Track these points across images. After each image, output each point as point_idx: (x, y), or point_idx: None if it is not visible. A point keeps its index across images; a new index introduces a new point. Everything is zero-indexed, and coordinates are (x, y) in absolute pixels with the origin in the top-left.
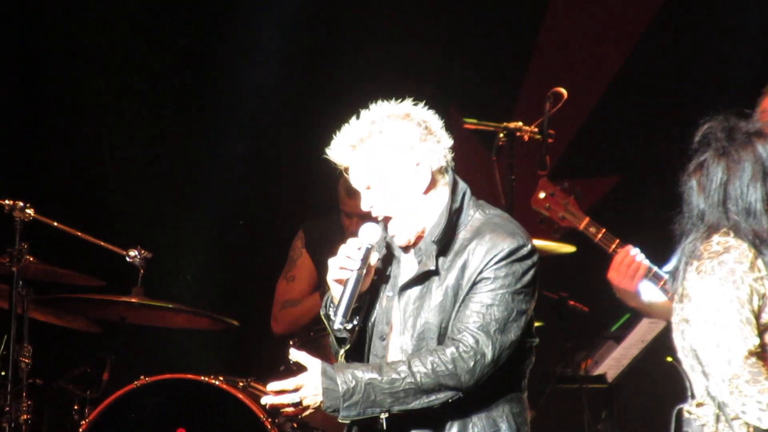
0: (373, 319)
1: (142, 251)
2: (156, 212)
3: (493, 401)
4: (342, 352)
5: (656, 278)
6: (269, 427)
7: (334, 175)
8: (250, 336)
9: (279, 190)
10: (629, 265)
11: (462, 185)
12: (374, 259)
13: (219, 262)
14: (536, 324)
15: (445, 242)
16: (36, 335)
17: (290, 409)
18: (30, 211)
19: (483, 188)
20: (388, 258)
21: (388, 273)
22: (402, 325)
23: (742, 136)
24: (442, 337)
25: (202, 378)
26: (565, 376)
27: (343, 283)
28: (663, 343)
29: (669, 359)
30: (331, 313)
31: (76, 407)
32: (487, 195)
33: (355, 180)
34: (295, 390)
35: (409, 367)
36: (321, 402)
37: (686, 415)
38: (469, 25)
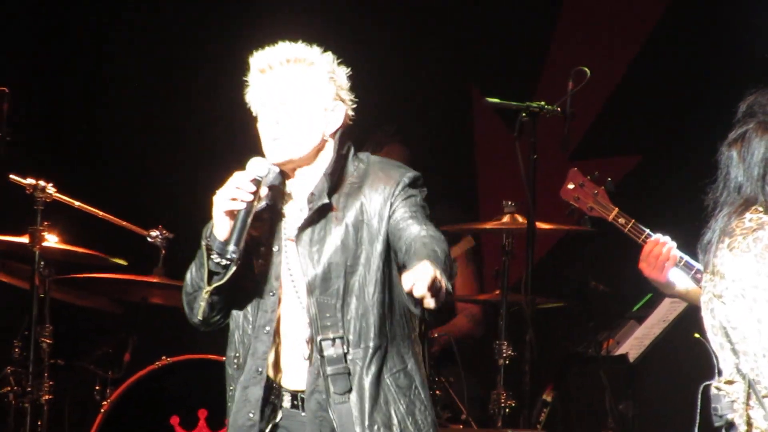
0: (261, 272)
1: (164, 231)
2: (178, 192)
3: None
4: (210, 288)
5: (687, 267)
6: None
7: None
8: None
9: None
10: (658, 256)
11: (349, 142)
12: (263, 192)
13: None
14: (558, 304)
15: (335, 178)
16: (57, 315)
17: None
18: (51, 191)
19: (504, 167)
20: (274, 212)
21: (273, 227)
22: (307, 266)
23: None
24: (348, 276)
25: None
26: (587, 357)
27: (232, 215)
28: (685, 322)
29: (696, 335)
30: (213, 243)
31: (97, 387)
32: (509, 174)
33: (278, 91)
34: (434, 279)
35: (432, 247)
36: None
37: (714, 391)
38: (490, 2)
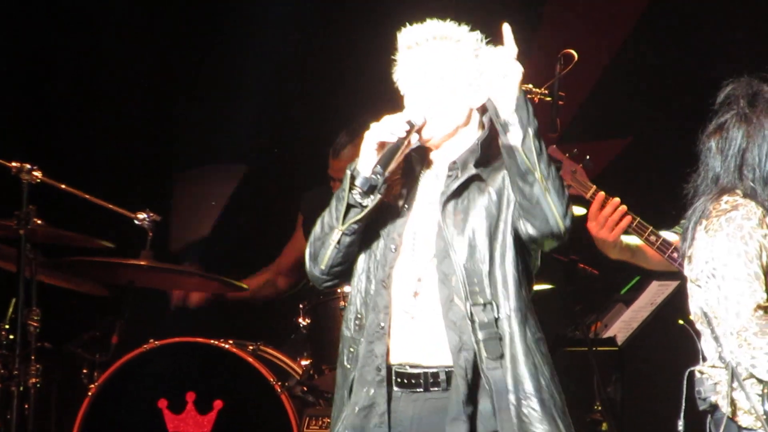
0: (384, 230)
1: (151, 214)
2: (165, 175)
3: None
4: (345, 226)
5: (641, 228)
6: (279, 390)
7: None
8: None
9: (292, 155)
10: (608, 216)
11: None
12: (414, 139)
13: (229, 224)
14: (546, 286)
15: (484, 151)
16: (44, 299)
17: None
18: (37, 174)
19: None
20: (408, 176)
21: (406, 189)
22: (452, 234)
23: (764, 103)
24: (492, 241)
25: (212, 341)
26: (575, 339)
27: (381, 148)
28: (673, 305)
29: (680, 322)
30: (356, 174)
31: (85, 371)
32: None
33: (424, 67)
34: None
35: None
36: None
37: (698, 375)
38: None
